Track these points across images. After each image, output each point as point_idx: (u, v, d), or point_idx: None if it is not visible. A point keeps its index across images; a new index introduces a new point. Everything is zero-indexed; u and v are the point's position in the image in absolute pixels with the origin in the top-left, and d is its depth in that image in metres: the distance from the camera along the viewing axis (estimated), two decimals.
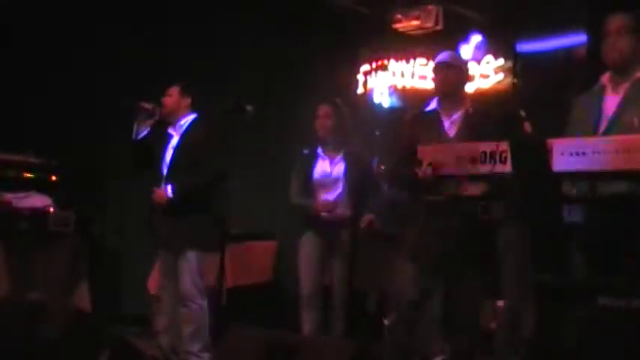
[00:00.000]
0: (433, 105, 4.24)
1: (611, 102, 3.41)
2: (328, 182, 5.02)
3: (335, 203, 4.97)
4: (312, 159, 5.08)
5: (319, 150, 5.10)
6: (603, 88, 3.46)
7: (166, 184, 4.85)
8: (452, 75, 4.16)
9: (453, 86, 4.17)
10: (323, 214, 4.95)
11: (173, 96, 4.99)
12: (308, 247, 5.03)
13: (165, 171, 4.91)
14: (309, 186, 5.05)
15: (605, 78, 3.46)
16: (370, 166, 5.09)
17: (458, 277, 3.98)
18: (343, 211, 4.96)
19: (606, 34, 3.42)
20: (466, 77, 4.28)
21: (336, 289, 4.94)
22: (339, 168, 5.02)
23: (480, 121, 4.03)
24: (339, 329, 4.93)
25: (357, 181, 4.92)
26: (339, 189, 5.00)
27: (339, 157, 5.04)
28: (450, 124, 4.13)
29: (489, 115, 4.10)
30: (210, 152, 4.77)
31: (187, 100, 5.00)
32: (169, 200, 4.78)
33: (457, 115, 4.13)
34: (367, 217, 5.03)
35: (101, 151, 6.94)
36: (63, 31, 6.69)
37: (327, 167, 5.06)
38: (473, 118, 4.08)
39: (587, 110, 3.45)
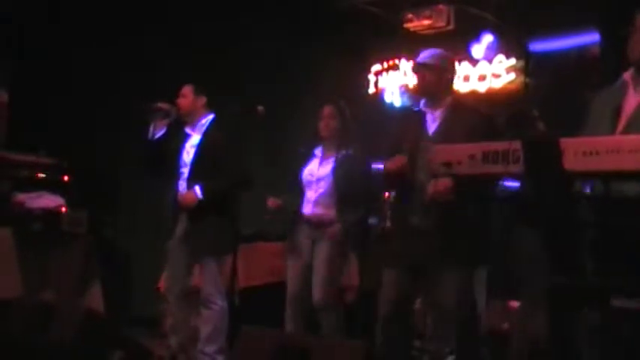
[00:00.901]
0: (422, 104, 4.22)
1: (632, 100, 3.36)
2: (311, 181, 4.96)
3: (278, 206, 4.92)
4: (307, 158, 5.05)
5: (318, 150, 5.04)
6: (625, 85, 3.40)
7: (190, 184, 4.83)
8: (429, 75, 4.13)
9: (431, 86, 4.13)
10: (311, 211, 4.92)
11: (187, 96, 4.99)
12: (292, 246, 5.00)
13: (186, 171, 4.89)
14: (300, 185, 5.01)
15: (628, 75, 3.41)
16: (364, 168, 4.98)
17: (442, 275, 3.94)
18: (323, 211, 4.91)
19: (633, 30, 3.36)
20: (447, 76, 4.18)
21: (313, 290, 4.87)
22: (326, 168, 4.94)
23: (457, 118, 4.00)
24: (327, 328, 4.86)
25: (343, 183, 4.87)
26: (322, 189, 4.93)
27: (332, 157, 4.98)
28: (432, 122, 4.12)
29: (468, 113, 4.06)
30: (237, 153, 4.78)
31: (203, 100, 5.00)
32: (199, 201, 4.77)
33: (438, 113, 4.11)
34: (331, 230, 4.93)
35: (114, 151, 6.97)
36: (78, 34, 6.71)
37: (315, 167, 5.00)
38: (452, 116, 4.06)
39: (607, 107, 3.40)
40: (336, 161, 4.92)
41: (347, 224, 4.82)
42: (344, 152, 4.93)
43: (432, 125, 4.09)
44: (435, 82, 4.12)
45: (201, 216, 4.79)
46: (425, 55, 4.19)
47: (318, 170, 4.96)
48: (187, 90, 5.00)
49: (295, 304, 4.90)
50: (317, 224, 4.87)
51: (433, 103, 4.12)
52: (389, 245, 4.20)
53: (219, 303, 4.82)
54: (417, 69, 4.20)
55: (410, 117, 4.26)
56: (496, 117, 4.05)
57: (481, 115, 4.07)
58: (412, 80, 6.74)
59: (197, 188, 4.79)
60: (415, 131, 4.09)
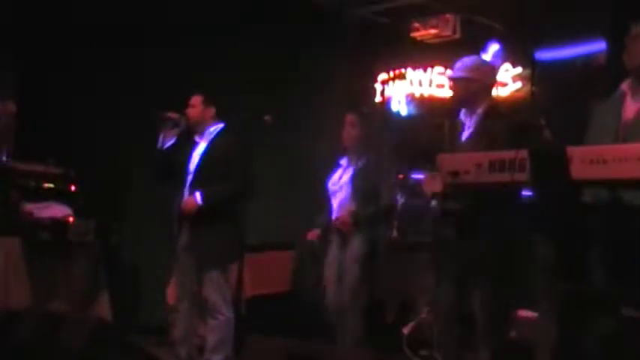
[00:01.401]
0: (462, 113, 4.23)
1: (630, 109, 3.38)
2: (335, 190, 5.02)
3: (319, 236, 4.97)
4: (333, 169, 5.11)
5: (344, 160, 5.09)
6: (623, 95, 3.44)
7: (192, 191, 4.85)
8: (460, 88, 4.15)
9: (464, 98, 4.15)
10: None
11: (197, 107, 5.00)
12: (328, 255, 5.04)
13: (190, 178, 4.91)
14: (327, 196, 5.07)
15: (626, 85, 3.44)
16: (381, 175, 5.01)
17: (484, 287, 3.93)
18: (344, 218, 4.94)
19: (629, 40, 3.39)
20: (480, 85, 4.18)
21: (342, 293, 4.90)
22: (347, 176, 5.01)
23: (487, 127, 4.00)
24: (351, 332, 4.87)
25: (360, 189, 4.91)
26: (343, 195, 4.98)
27: (353, 166, 5.02)
28: (466, 130, 4.13)
29: (501, 121, 4.06)
30: (241, 162, 4.78)
31: (212, 110, 5.01)
32: (199, 208, 4.79)
33: (472, 121, 4.12)
34: (311, 234, 4.99)
35: (121, 160, 6.98)
36: (85, 43, 6.74)
37: (338, 176, 5.05)
38: (481, 125, 4.06)
39: (607, 117, 3.43)
40: (355, 168, 4.97)
41: (358, 216, 4.83)
42: (365, 159, 4.96)
43: (465, 133, 4.11)
44: (466, 94, 4.12)
45: (203, 224, 4.80)
46: (457, 67, 4.19)
47: (340, 179, 5.02)
48: (197, 100, 5.01)
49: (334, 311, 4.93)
50: (344, 232, 4.89)
51: (469, 111, 4.14)
52: (439, 255, 4.15)
53: (226, 313, 4.83)
54: (451, 82, 4.23)
55: (454, 128, 4.26)
56: (534, 121, 4.03)
57: (510, 122, 3.99)
58: (419, 89, 6.77)
59: (197, 194, 4.80)
60: (451, 141, 4.10)
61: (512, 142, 3.40)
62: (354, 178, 4.94)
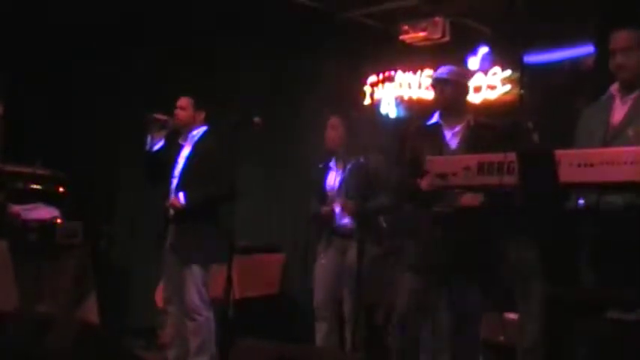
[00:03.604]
0: (435, 118, 4.25)
1: (618, 113, 3.40)
2: (334, 194, 5.03)
3: (329, 214, 4.94)
4: (325, 171, 5.10)
5: (332, 162, 5.10)
6: (612, 98, 3.45)
7: (177, 192, 4.85)
8: (449, 90, 4.19)
9: (451, 101, 4.20)
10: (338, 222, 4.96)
11: (187, 109, 5.00)
12: (322, 258, 5.04)
13: (175, 180, 4.91)
14: (326, 198, 5.08)
15: (614, 88, 3.46)
16: (372, 177, 5.01)
17: (461, 289, 3.96)
18: (350, 222, 4.95)
19: (613, 51, 3.41)
20: (466, 90, 4.30)
21: (345, 303, 4.92)
22: (339, 179, 5.03)
23: (482, 132, 4.05)
24: (350, 343, 4.90)
25: (353, 191, 4.91)
26: (341, 200, 4.99)
27: (343, 169, 5.03)
28: (452, 136, 4.15)
29: (491, 127, 4.14)
30: (226, 164, 4.78)
31: (202, 115, 5.03)
32: (182, 208, 4.78)
33: (459, 127, 4.15)
34: (347, 205, 4.98)
35: (109, 162, 6.96)
36: (74, 45, 6.72)
37: (332, 180, 5.07)
38: (474, 130, 4.10)
39: (595, 120, 3.45)
40: (344, 172, 4.97)
41: (362, 207, 4.84)
42: (353, 162, 4.95)
43: (452, 140, 4.12)
44: (454, 97, 4.18)
45: (186, 225, 4.80)
46: (444, 71, 4.24)
47: (334, 183, 5.03)
48: (187, 102, 5.01)
49: (323, 313, 4.90)
50: (346, 235, 4.90)
51: (450, 117, 4.16)
52: (416, 255, 4.17)
53: (204, 313, 4.82)
54: (437, 84, 4.25)
55: (429, 131, 4.26)
56: (520, 121, 4.07)
57: (503, 127, 4.07)
58: (408, 92, 6.77)
59: (181, 195, 4.81)
60: (437, 145, 4.10)
61: (502, 148, 3.42)
62: (343, 182, 4.95)
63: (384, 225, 5.33)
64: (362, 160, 4.96)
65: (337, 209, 4.99)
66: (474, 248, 3.87)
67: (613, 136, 3.32)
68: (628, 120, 3.35)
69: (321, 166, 5.18)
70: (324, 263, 5.02)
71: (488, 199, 3.50)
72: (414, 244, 4.20)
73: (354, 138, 5.04)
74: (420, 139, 4.26)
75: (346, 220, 4.97)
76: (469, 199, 3.78)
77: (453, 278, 4.00)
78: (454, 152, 4.01)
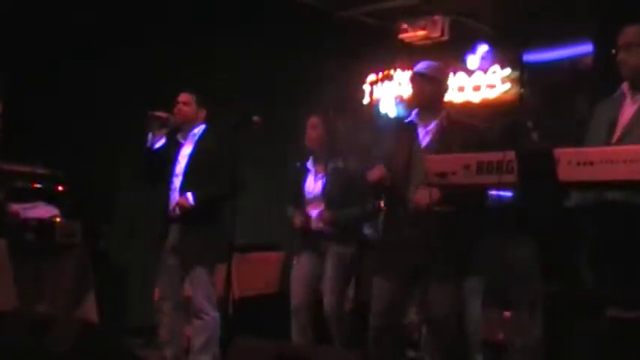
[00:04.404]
0: (413, 115, 4.23)
1: (628, 111, 3.38)
2: (313, 199, 4.98)
3: (308, 218, 4.92)
4: (304, 173, 5.06)
5: (309, 163, 5.05)
6: (623, 96, 3.43)
7: (182, 192, 4.84)
8: (427, 86, 4.14)
9: (428, 97, 4.14)
10: (315, 225, 4.93)
11: (190, 105, 4.98)
12: (300, 260, 5.02)
13: (179, 180, 4.89)
14: (303, 200, 5.03)
15: (626, 86, 3.44)
16: (355, 181, 4.89)
17: (432, 286, 3.95)
18: (326, 227, 4.91)
19: (619, 48, 3.39)
20: (443, 89, 4.23)
21: (325, 302, 4.89)
22: (319, 184, 4.96)
23: (455, 131, 4.02)
24: (338, 341, 4.87)
25: (336, 199, 4.87)
26: (320, 206, 4.95)
27: (323, 173, 4.98)
28: (425, 134, 4.12)
29: (467, 126, 4.11)
30: (228, 163, 4.78)
31: (204, 112, 5.01)
32: (191, 208, 4.77)
33: (432, 126, 4.11)
34: (324, 215, 4.98)
35: (109, 161, 6.95)
36: (73, 44, 6.71)
37: (311, 183, 5.02)
38: (445, 129, 4.07)
39: (605, 117, 3.43)
40: (325, 176, 4.93)
41: (339, 217, 4.82)
42: (332, 165, 4.92)
43: (424, 138, 4.10)
44: (431, 94, 4.13)
45: (191, 226, 4.79)
46: (423, 66, 4.20)
47: (313, 187, 4.99)
48: (189, 98, 4.98)
49: (300, 315, 4.91)
50: (324, 237, 4.88)
51: (426, 115, 4.13)
52: (382, 256, 4.20)
53: (211, 313, 4.81)
54: (415, 79, 4.21)
55: (402, 129, 4.26)
56: (490, 129, 4.06)
57: (475, 130, 4.09)
58: (407, 90, 6.77)
59: (189, 195, 4.79)
60: (408, 143, 4.10)
61: (479, 148, 3.42)
62: (326, 187, 4.91)
63: (368, 232, 5.31)
64: (340, 164, 4.91)
65: (314, 213, 4.94)
66: (443, 248, 3.86)
67: (622, 135, 3.30)
68: (637, 118, 3.32)
69: (298, 164, 5.11)
70: (300, 267, 5.00)
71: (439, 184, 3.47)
72: (387, 247, 4.19)
73: (331, 138, 4.99)
74: (395, 136, 4.27)
75: (322, 226, 4.94)
76: (421, 197, 3.77)
77: (422, 277, 3.97)
78: (424, 151, 3.98)
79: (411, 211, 3.89)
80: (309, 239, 4.94)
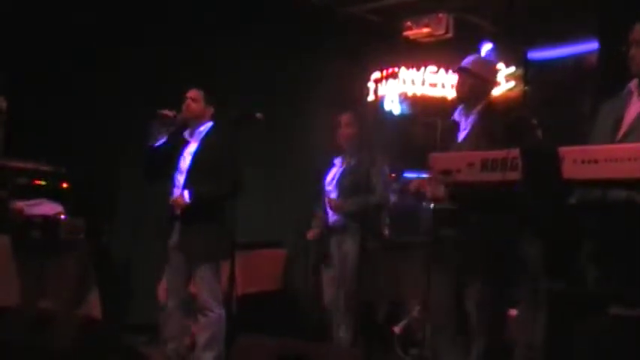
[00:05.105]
0: (456, 112, 4.21)
1: (634, 108, 3.37)
2: (329, 189, 5.11)
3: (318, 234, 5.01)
4: (328, 168, 5.17)
5: (338, 159, 5.17)
6: (630, 94, 3.42)
7: (184, 190, 4.84)
8: (467, 81, 4.11)
9: (468, 92, 4.12)
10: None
11: (199, 102, 4.97)
12: (325, 255, 5.10)
13: (182, 177, 4.89)
14: (324, 195, 5.15)
15: (634, 84, 3.42)
16: (374, 173, 5.01)
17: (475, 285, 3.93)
18: (343, 218, 4.97)
19: (629, 44, 3.37)
20: (486, 84, 4.17)
21: (325, 296, 4.95)
22: (337, 175, 5.07)
23: (488, 126, 3.99)
24: (344, 339, 4.90)
25: (347, 188, 4.95)
26: (335, 195, 5.04)
27: (346, 164, 5.08)
28: (463, 130, 4.11)
29: (498, 120, 4.06)
30: (232, 161, 4.78)
31: (211, 110, 5.01)
32: (187, 206, 4.78)
33: (470, 120, 4.10)
34: (310, 233, 5.12)
35: (113, 158, 6.96)
36: (77, 41, 6.71)
37: (332, 175, 5.12)
38: (480, 123, 4.04)
39: (610, 115, 3.41)
40: (345, 167, 5.01)
41: (348, 205, 4.87)
42: (357, 158, 5.02)
43: (462, 133, 4.09)
44: (471, 88, 4.10)
45: (193, 223, 4.79)
46: (466, 61, 4.17)
47: (333, 179, 5.09)
48: (198, 94, 4.98)
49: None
50: (339, 231, 4.95)
51: (468, 109, 4.11)
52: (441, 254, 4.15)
53: (216, 310, 4.82)
54: (458, 73, 4.19)
55: (446, 127, 4.26)
56: (525, 116, 4.02)
57: (505, 121, 3.98)
58: (412, 88, 6.76)
59: (185, 193, 4.80)
60: (448, 142, 4.10)
61: (508, 142, 3.39)
62: (341, 176, 5.00)
63: (387, 220, 5.36)
64: (365, 156, 4.99)
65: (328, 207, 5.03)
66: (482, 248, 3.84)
67: (627, 132, 3.29)
68: None
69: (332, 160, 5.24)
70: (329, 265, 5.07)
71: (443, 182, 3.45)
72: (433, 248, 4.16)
73: (361, 134, 5.09)
74: (444, 135, 4.28)
75: (336, 217, 5.00)
76: (435, 190, 3.75)
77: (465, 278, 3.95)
78: (460, 146, 3.98)
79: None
80: (330, 233, 5.02)
